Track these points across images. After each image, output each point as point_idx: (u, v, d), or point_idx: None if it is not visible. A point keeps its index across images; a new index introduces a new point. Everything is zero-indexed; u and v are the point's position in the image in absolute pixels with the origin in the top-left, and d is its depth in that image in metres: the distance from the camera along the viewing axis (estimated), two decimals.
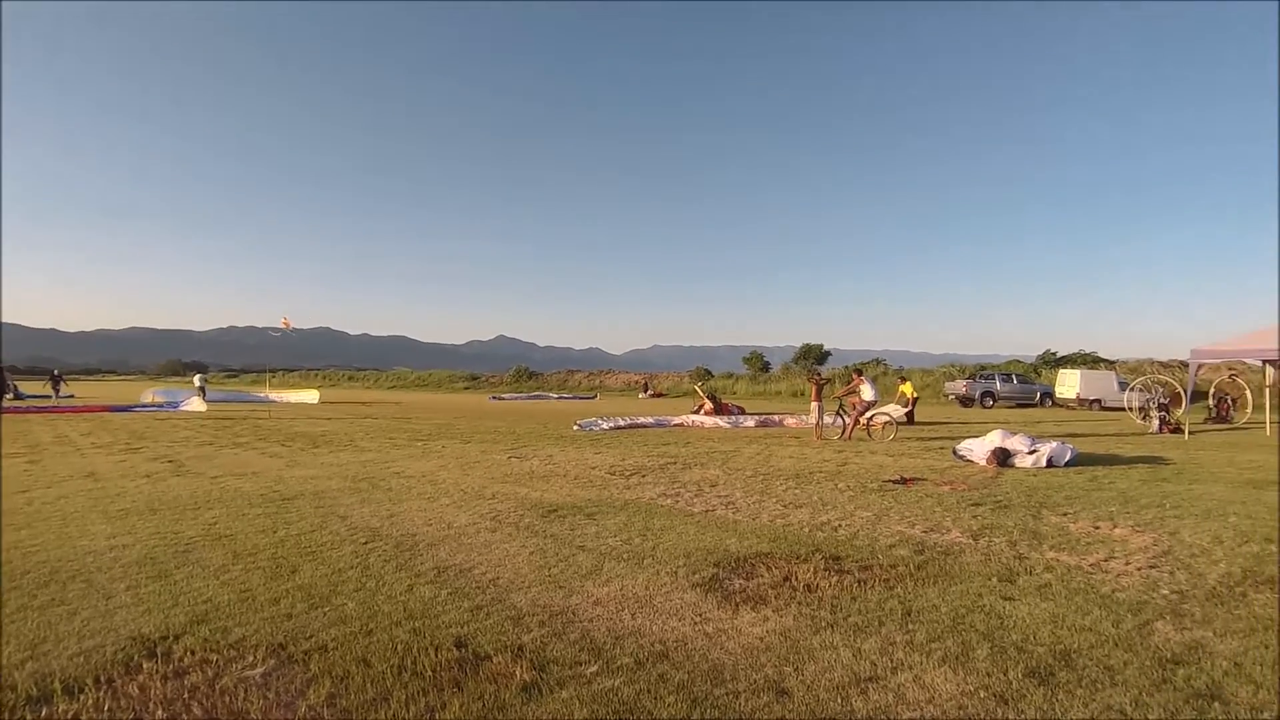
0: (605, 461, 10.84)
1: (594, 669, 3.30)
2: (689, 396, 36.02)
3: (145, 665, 3.31)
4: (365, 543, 5.67)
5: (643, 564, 5.04)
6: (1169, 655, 3.36)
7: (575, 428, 17.12)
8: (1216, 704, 2.88)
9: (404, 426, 18.46)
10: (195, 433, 16.37)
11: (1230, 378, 22.73)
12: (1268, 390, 20.01)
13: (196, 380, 32.44)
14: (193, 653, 3.46)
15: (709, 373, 54.23)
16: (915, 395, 20.37)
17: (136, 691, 3.06)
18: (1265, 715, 2.78)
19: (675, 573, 4.80)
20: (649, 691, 3.05)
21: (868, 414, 14.80)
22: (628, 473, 9.60)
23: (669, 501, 7.47)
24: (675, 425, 18.62)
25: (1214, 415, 20.59)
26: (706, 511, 6.93)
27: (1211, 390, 21.22)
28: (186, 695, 3.03)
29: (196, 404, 26.90)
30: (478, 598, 4.33)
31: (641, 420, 19.40)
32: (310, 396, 35.36)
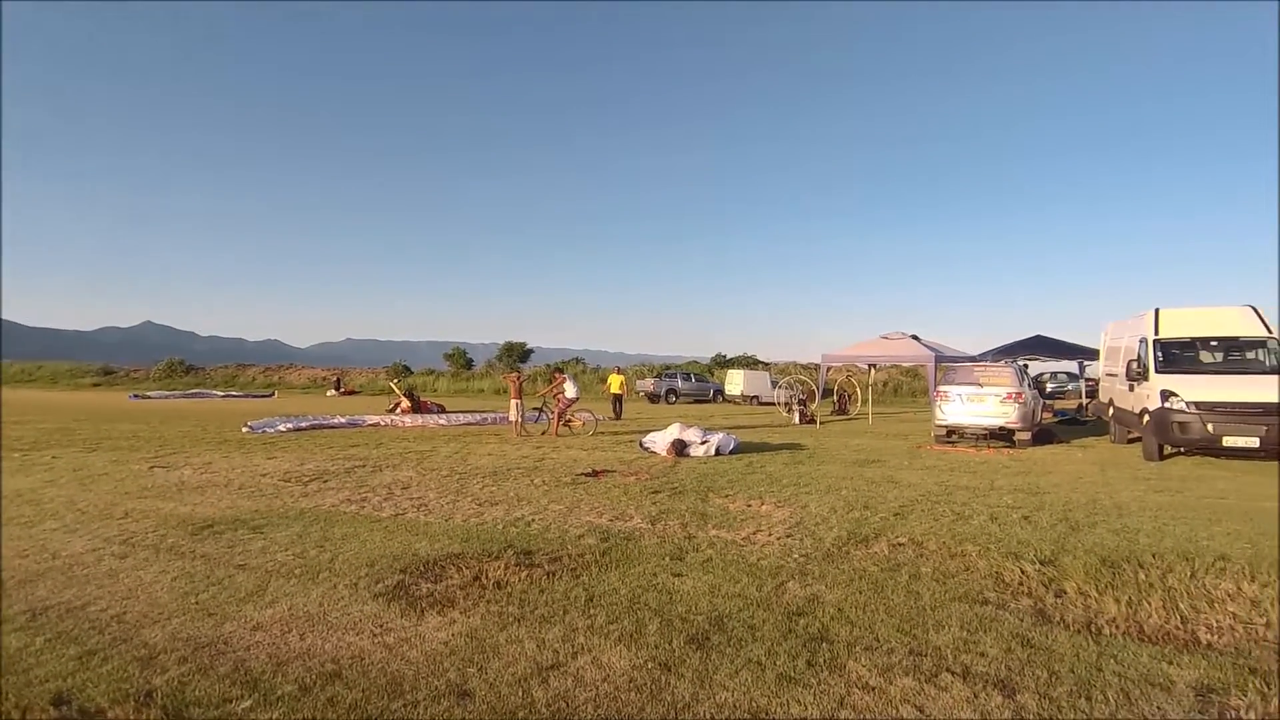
0: (280, 467, 9.67)
1: (247, 704, 2.89)
2: (386, 394, 33.93)
3: None
4: None
5: (318, 578, 4.57)
6: (794, 609, 4.01)
7: (245, 429, 15.01)
8: (824, 644, 3.50)
9: None
10: None
11: (847, 377, 28.27)
12: (871, 387, 25.34)
13: None
14: None
15: (408, 369, 51.75)
16: (621, 392, 21.33)
17: None
18: (857, 648, 3.45)
19: (355, 584, 4.44)
20: (315, 719, 2.75)
21: (569, 410, 15.41)
22: (306, 479, 8.67)
23: (354, 508, 6.91)
24: (370, 425, 17.38)
25: (836, 408, 25.36)
26: (396, 515, 6.55)
27: (836, 388, 26.10)
28: None
29: None
30: (92, 641, 3.53)
31: (330, 420, 17.75)
32: None
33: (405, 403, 21.42)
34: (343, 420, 17.96)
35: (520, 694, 2.99)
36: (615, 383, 21.30)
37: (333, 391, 40.57)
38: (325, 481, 8.48)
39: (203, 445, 12.41)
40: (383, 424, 17.74)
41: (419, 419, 18.78)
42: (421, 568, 4.81)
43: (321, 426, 16.50)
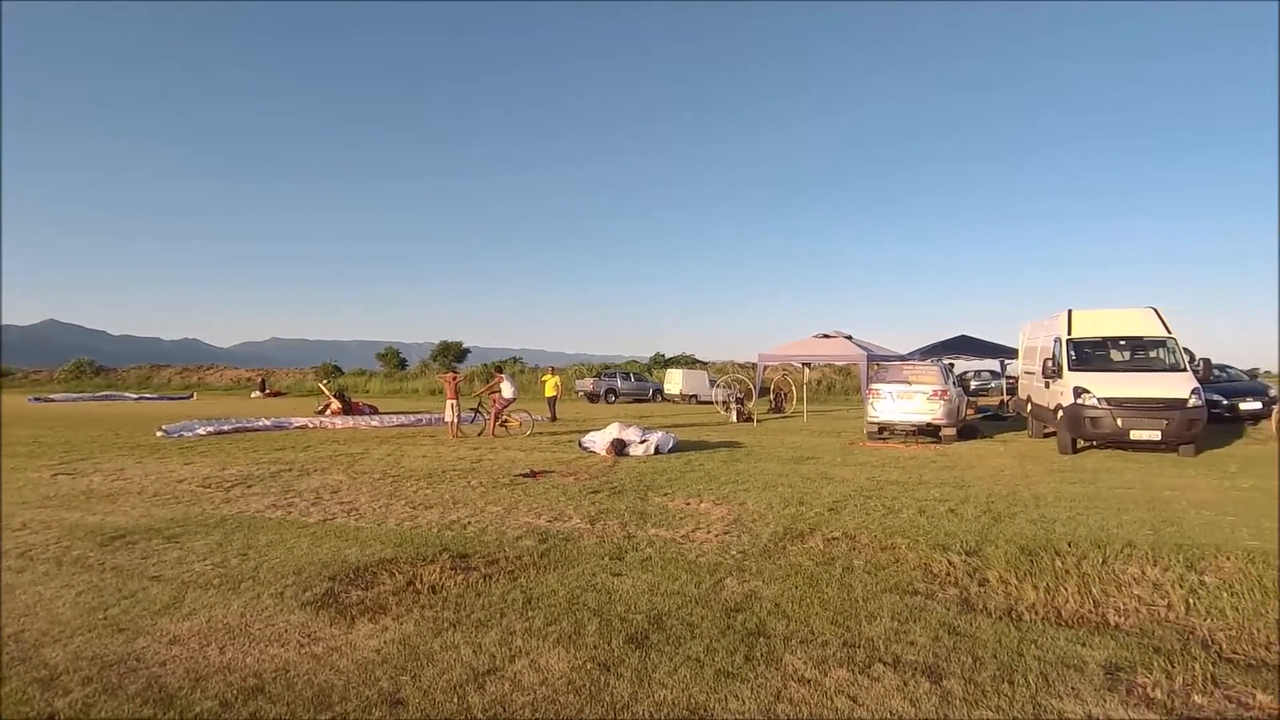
0: (199, 473, 9.20)
1: None
2: (315, 395, 32.75)
3: None
4: None
5: (239, 588, 4.36)
6: (732, 605, 4.05)
7: (160, 434, 14.23)
8: (762, 639, 3.55)
9: None
10: None
11: (783, 376, 28.81)
12: (806, 386, 25.91)
13: None
14: None
15: (338, 369, 50.10)
16: (555, 393, 20.37)
17: None
18: (793, 642, 3.51)
19: (281, 593, 4.25)
20: None
21: (506, 410, 15.20)
22: (228, 484, 8.27)
23: (279, 513, 6.63)
24: (297, 428, 16.74)
25: (773, 406, 25.82)
26: (325, 521, 6.32)
27: (772, 386, 26.56)
28: None
29: None
30: None
31: (254, 423, 17.00)
32: None
33: (335, 404, 20.71)
34: (268, 423, 17.24)
35: (456, 700, 2.92)
36: (550, 384, 20.46)
37: (257, 393, 38.92)
38: (249, 487, 8.11)
39: (114, 451, 11.70)
40: (311, 426, 17.12)
41: (350, 421, 18.20)
42: (352, 574, 4.65)
43: (245, 430, 15.79)
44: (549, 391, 20.33)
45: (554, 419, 19.25)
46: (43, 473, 9.12)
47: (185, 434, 14.39)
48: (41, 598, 4.19)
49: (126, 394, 38.10)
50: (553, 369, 24.98)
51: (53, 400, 32.15)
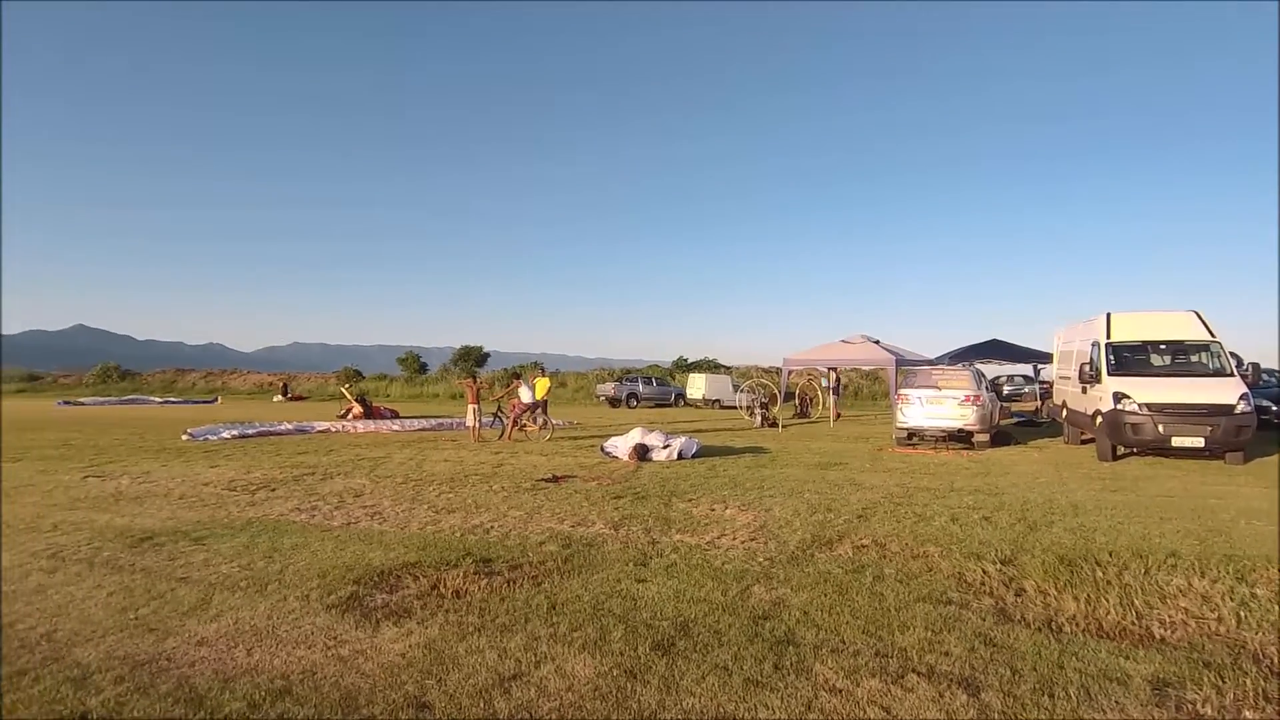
0: (224, 476, 9.28)
1: None
2: (336, 400, 33.05)
3: None
4: None
5: (265, 590, 4.37)
6: (760, 613, 3.98)
7: (185, 437, 14.42)
8: (791, 647, 3.47)
9: None
10: None
11: (808, 381, 28.55)
12: (830, 391, 25.66)
13: None
14: None
15: (359, 374, 50.59)
16: (545, 397, 18.08)
17: None
18: (823, 651, 3.43)
19: (306, 596, 4.25)
20: None
21: (525, 415, 15.20)
22: (253, 487, 8.34)
23: (303, 517, 6.66)
24: (319, 432, 16.88)
25: (798, 411, 25.59)
26: (348, 524, 6.33)
27: (797, 391, 26.33)
28: None
29: None
30: (21, 660, 3.33)
31: (277, 427, 17.18)
32: None
33: (357, 408, 20.87)
34: (290, 427, 17.40)
35: (481, 705, 2.89)
36: (541, 387, 16.77)
37: (280, 397, 39.40)
38: (272, 490, 8.17)
39: (141, 454, 11.87)
40: (333, 430, 17.26)
41: (371, 425, 18.33)
42: (376, 578, 4.64)
43: (268, 434, 15.95)
44: (539, 394, 18.05)
45: (543, 427, 17.10)
46: (73, 475, 9.26)
47: (210, 437, 14.58)
48: (73, 598, 4.23)
49: (152, 398, 38.79)
50: (543, 370, 21.91)
51: (81, 404, 32.80)
